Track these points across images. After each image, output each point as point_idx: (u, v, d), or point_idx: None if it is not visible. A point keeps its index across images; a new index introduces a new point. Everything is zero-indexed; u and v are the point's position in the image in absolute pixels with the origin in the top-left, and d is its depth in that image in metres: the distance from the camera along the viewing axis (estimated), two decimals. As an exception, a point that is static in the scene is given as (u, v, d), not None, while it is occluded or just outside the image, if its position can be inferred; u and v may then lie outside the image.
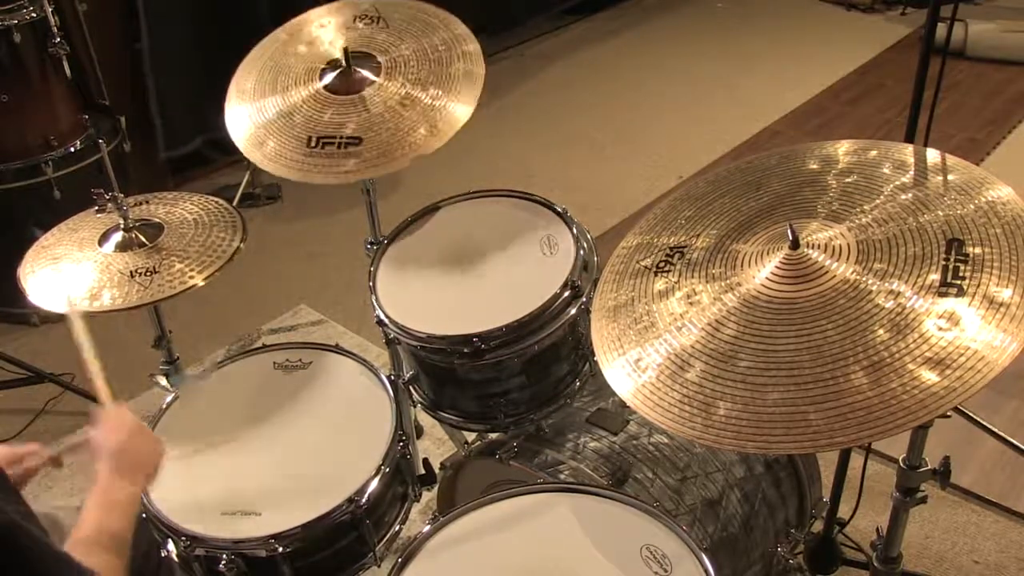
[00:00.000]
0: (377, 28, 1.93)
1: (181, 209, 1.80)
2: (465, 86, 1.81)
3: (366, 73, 1.82)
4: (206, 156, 3.79)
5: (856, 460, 1.92)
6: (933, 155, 1.28)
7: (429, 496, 1.81)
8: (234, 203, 1.86)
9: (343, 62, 1.82)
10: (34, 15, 2.73)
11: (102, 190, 1.71)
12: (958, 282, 1.07)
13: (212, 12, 3.53)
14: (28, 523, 0.95)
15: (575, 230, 1.71)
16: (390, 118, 1.76)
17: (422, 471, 1.67)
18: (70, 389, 2.59)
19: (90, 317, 1.44)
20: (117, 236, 1.71)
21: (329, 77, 1.83)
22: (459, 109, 1.77)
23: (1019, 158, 3.65)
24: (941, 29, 1.55)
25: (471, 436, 1.92)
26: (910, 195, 1.21)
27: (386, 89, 1.81)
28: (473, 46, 1.88)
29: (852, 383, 1.03)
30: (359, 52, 1.85)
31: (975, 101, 4.07)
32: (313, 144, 1.74)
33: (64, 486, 2.39)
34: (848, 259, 1.15)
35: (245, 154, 1.77)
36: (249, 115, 1.81)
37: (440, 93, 1.80)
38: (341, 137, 1.74)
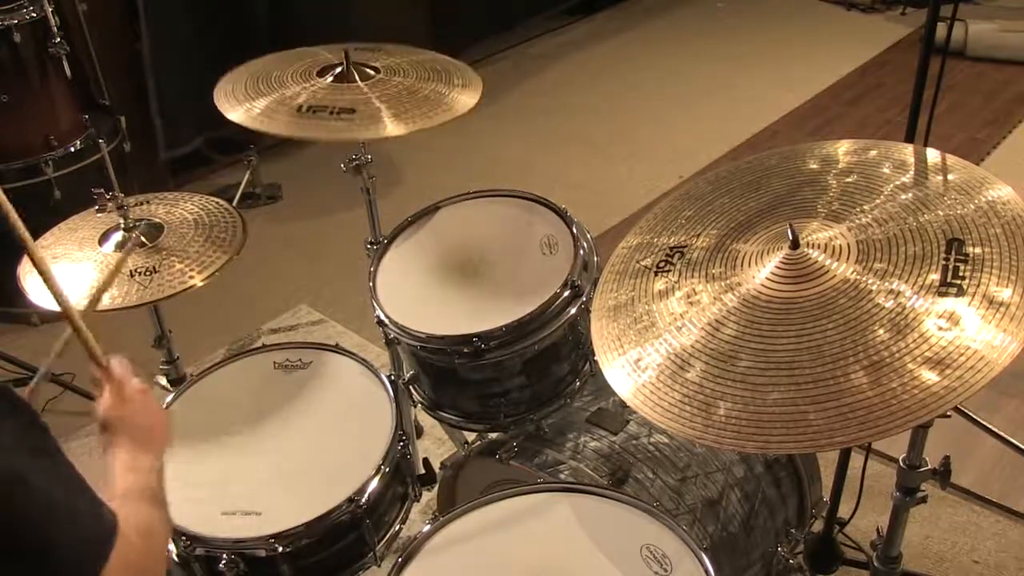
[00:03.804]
0: (376, 53, 1.97)
1: (181, 209, 1.80)
2: (465, 82, 1.83)
3: (362, 80, 1.84)
4: (206, 156, 3.79)
5: (856, 460, 1.92)
6: (933, 155, 1.28)
7: (429, 496, 1.80)
8: (234, 203, 1.86)
9: (343, 62, 1.83)
10: (34, 15, 2.73)
11: (102, 190, 1.71)
12: (958, 282, 1.07)
13: (212, 12, 3.53)
14: (48, 467, 0.88)
15: (575, 230, 1.71)
16: (387, 100, 1.78)
17: (422, 471, 1.67)
18: (70, 389, 2.58)
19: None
20: (117, 236, 1.72)
21: (328, 78, 1.84)
22: (460, 100, 1.79)
23: (1019, 158, 3.65)
24: (941, 29, 1.55)
25: (471, 436, 1.92)
26: (910, 195, 1.21)
27: (384, 83, 1.83)
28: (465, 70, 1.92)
29: (852, 383, 1.03)
30: (357, 63, 1.88)
31: (975, 101, 4.07)
32: (304, 111, 1.75)
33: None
34: (848, 259, 1.15)
35: (232, 119, 1.77)
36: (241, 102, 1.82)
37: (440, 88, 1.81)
38: (335, 107, 1.75)
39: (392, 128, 1.72)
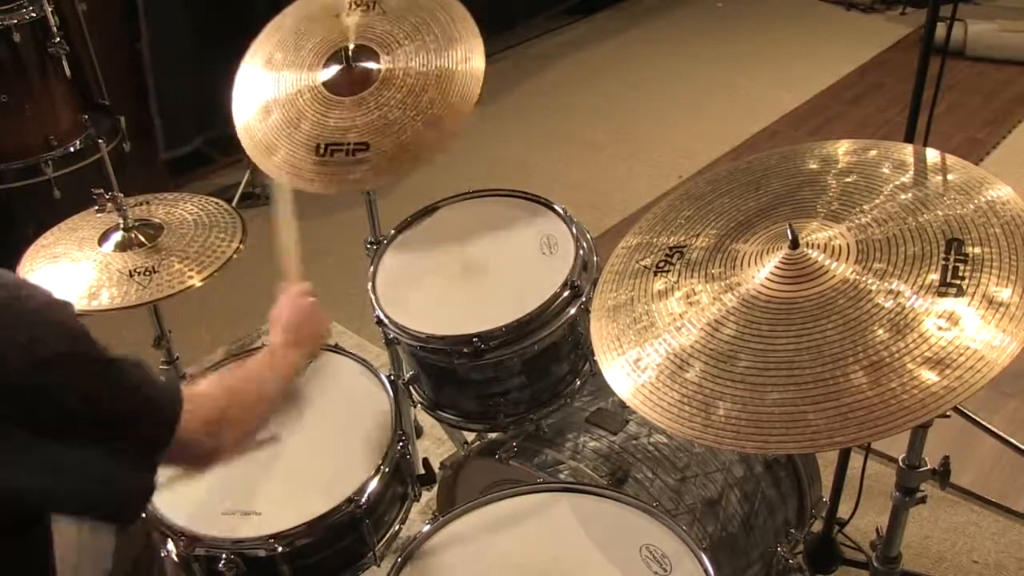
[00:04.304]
0: (373, 15, 1.90)
1: (181, 209, 1.81)
2: (465, 79, 1.82)
3: (368, 65, 1.82)
4: (206, 156, 3.79)
5: (856, 460, 1.92)
6: (933, 155, 1.28)
7: (429, 496, 1.80)
8: (234, 203, 1.86)
9: (344, 60, 1.82)
10: (34, 15, 2.73)
11: (102, 190, 1.71)
12: (958, 282, 1.07)
13: (212, 12, 3.53)
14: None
15: (575, 230, 1.71)
16: (394, 120, 1.76)
17: (422, 471, 1.67)
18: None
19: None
20: (117, 236, 1.72)
21: (331, 71, 1.82)
22: (460, 101, 1.77)
23: (1019, 158, 3.65)
24: (941, 29, 1.55)
25: (471, 436, 1.92)
26: (910, 195, 1.21)
27: (388, 86, 1.81)
28: (471, 27, 1.89)
29: (852, 383, 1.03)
30: (359, 45, 1.84)
31: (975, 101, 4.07)
32: (322, 152, 1.74)
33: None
34: (848, 259, 1.15)
35: (257, 163, 1.77)
36: (255, 115, 1.81)
37: (440, 87, 1.80)
38: (349, 144, 1.74)
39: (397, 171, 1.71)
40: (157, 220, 1.77)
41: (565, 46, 5.03)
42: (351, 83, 1.81)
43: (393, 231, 1.85)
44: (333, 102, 1.80)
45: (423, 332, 1.61)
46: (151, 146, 3.52)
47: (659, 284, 1.27)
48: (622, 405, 1.65)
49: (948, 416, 1.02)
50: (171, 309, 1.82)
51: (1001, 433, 2.12)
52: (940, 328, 1.03)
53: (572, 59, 4.85)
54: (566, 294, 1.61)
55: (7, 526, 0.90)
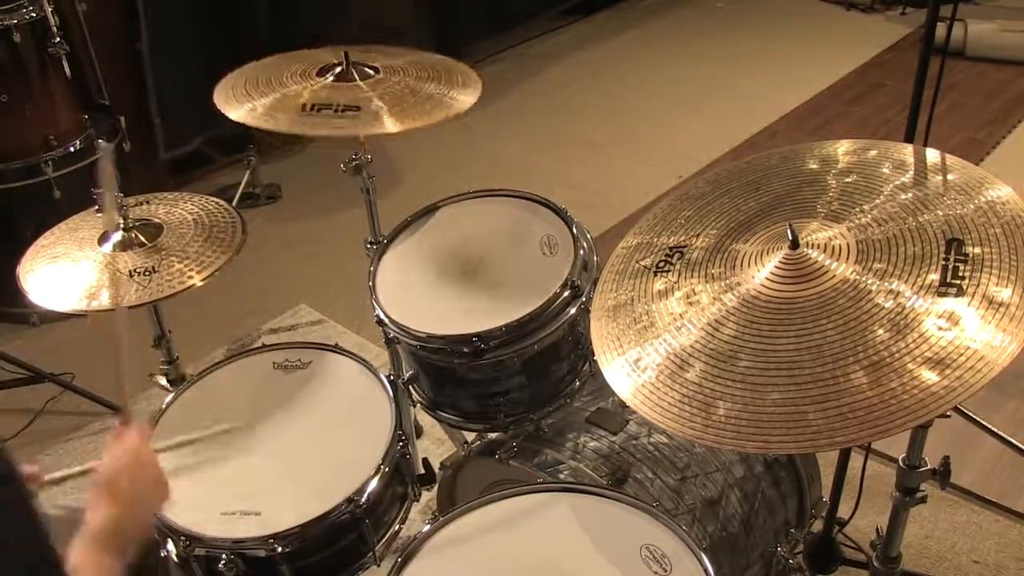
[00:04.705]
0: (373, 53, 1.96)
1: (181, 209, 1.81)
2: (465, 80, 1.82)
3: (367, 70, 1.84)
4: (206, 156, 3.79)
5: (856, 460, 1.92)
6: (933, 155, 1.28)
7: (429, 496, 1.80)
8: (234, 203, 1.86)
9: (343, 62, 1.83)
10: (34, 15, 2.73)
11: (102, 190, 1.71)
12: (958, 282, 1.07)
13: (212, 12, 3.53)
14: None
15: (575, 230, 1.71)
16: (392, 99, 1.78)
17: (422, 471, 1.67)
18: (70, 389, 2.59)
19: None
20: (117, 236, 1.72)
21: (328, 77, 1.84)
22: (460, 98, 1.80)
23: (1019, 158, 3.65)
24: (941, 29, 1.55)
25: (471, 436, 1.92)
26: (910, 195, 1.21)
27: (385, 81, 1.83)
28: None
29: (852, 383, 1.03)
30: (357, 63, 1.88)
31: (975, 101, 4.07)
32: (308, 110, 1.75)
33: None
34: (848, 259, 1.15)
35: (235, 118, 1.76)
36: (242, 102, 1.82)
37: (440, 87, 1.82)
38: (339, 104, 1.75)
39: (393, 125, 1.71)
40: (157, 220, 1.77)
41: (565, 46, 5.03)
42: (347, 80, 1.83)
43: (393, 231, 1.85)
44: (328, 85, 1.82)
45: (423, 332, 1.61)
46: (151, 146, 3.52)
47: (659, 284, 1.27)
48: (622, 405, 1.65)
49: (948, 416, 1.02)
50: (171, 309, 1.82)
51: (1001, 433, 2.12)
52: (940, 328, 1.03)
53: (572, 59, 4.85)
54: (566, 294, 1.61)
55: None
